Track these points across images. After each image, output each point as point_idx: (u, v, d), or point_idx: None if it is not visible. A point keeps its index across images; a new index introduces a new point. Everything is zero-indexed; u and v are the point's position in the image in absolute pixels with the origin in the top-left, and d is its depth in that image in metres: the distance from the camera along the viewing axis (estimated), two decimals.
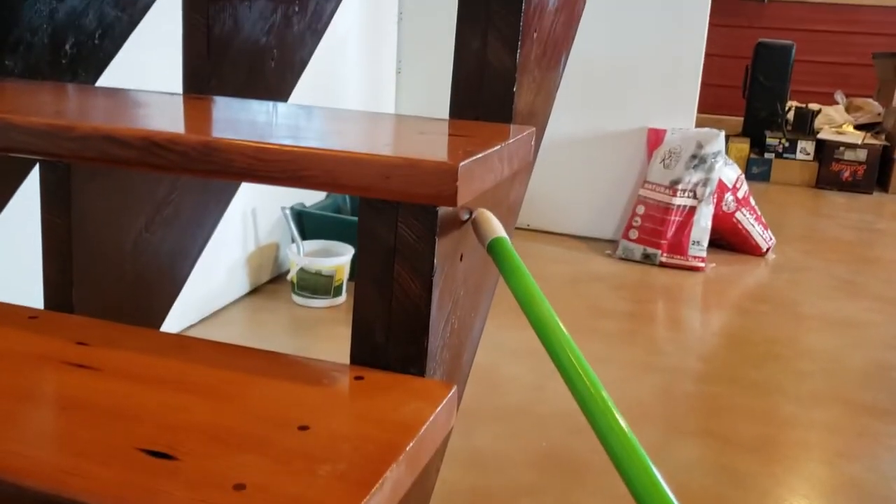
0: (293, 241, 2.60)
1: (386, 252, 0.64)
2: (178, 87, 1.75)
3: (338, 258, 2.57)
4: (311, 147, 0.61)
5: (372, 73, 3.25)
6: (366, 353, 0.65)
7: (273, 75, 1.03)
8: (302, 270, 2.53)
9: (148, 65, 1.92)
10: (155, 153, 0.65)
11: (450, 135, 0.72)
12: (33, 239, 1.75)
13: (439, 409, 0.58)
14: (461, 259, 0.71)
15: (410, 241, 0.63)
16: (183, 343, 0.69)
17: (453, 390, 0.61)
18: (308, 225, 2.73)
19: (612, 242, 3.27)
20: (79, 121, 0.67)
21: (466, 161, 0.59)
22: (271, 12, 1.00)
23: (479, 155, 0.62)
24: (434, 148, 0.64)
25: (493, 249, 0.68)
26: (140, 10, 1.28)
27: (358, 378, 0.63)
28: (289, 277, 2.57)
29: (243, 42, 0.95)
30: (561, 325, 0.63)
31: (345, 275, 2.59)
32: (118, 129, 0.66)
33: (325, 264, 2.53)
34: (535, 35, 0.84)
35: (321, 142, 0.64)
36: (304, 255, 2.56)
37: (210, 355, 0.67)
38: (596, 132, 3.32)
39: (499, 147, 0.67)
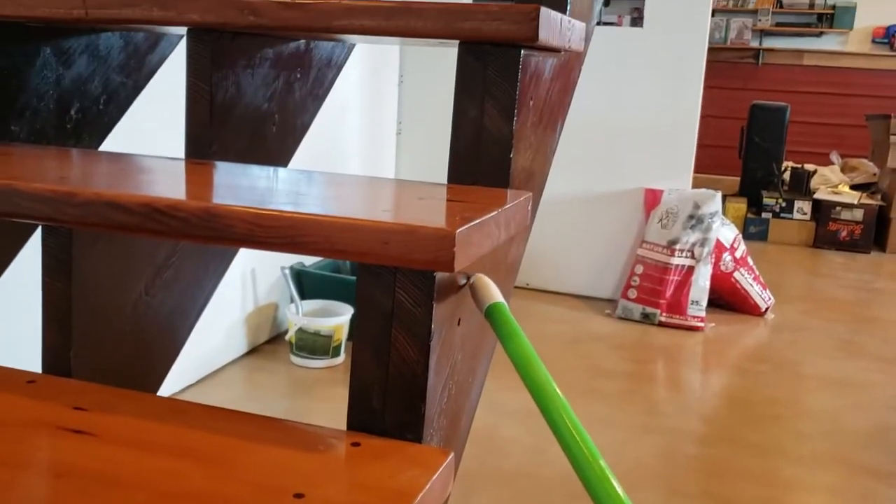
0: (292, 300, 2.60)
1: (383, 317, 0.65)
2: (179, 148, 1.78)
3: (336, 318, 2.57)
4: (309, 213, 0.62)
5: (373, 134, 3.30)
6: (363, 418, 0.65)
7: (274, 140, 1.05)
8: (300, 330, 2.52)
9: (151, 128, 1.95)
10: (156, 219, 0.66)
11: (448, 200, 0.73)
12: (34, 302, 1.76)
13: (435, 476, 0.58)
14: (459, 324, 0.71)
15: (408, 306, 0.64)
16: (179, 408, 0.69)
17: (450, 457, 0.61)
18: (307, 284, 2.74)
19: (611, 302, 3.27)
20: (82, 187, 0.68)
21: (464, 227, 0.60)
22: (273, 79, 1.02)
23: (477, 221, 0.63)
24: (432, 214, 0.65)
25: (491, 315, 0.68)
26: (145, 77, 1.31)
27: (354, 444, 0.63)
28: (287, 337, 2.56)
29: (245, 108, 0.97)
30: (557, 390, 0.64)
31: (343, 335, 2.59)
32: (120, 195, 0.67)
33: (323, 324, 2.53)
34: (531, 103, 0.86)
35: (320, 207, 0.65)
36: (302, 315, 2.56)
37: (206, 420, 0.67)
38: (594, 192, 3.35)
39: (496, 213, 0.68)
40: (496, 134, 0.81)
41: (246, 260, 2.57)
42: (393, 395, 0.64)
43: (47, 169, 0.78)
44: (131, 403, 0.69)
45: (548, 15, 0.78)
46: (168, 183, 0.75)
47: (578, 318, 3.12)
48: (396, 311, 0.64)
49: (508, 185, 0.83)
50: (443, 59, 3.33)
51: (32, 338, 1.74)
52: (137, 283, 0.83)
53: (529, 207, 0.81)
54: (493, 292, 0.70)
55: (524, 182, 0.88)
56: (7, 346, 1.69)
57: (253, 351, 2.62)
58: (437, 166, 3.41)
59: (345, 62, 1.26)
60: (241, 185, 0.75)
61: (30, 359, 1.77)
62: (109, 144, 1.23)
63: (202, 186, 0.73)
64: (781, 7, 6.94)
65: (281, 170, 0.88)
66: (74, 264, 0.74)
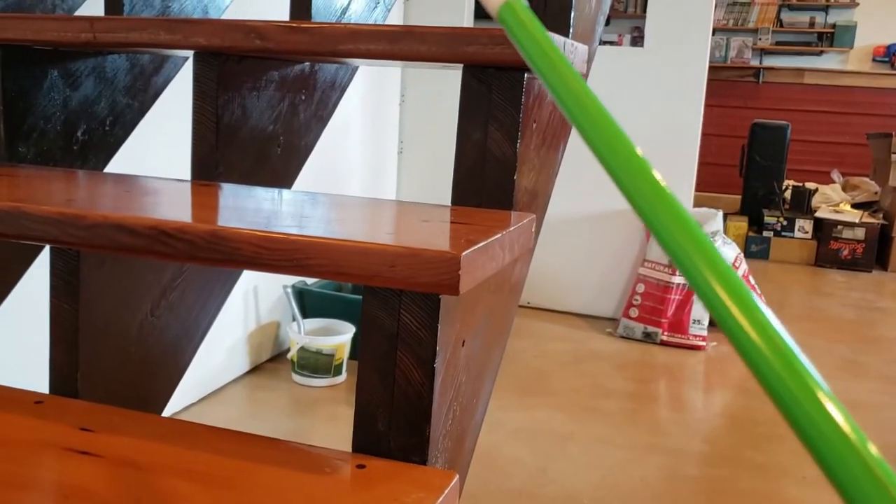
0: (294, 319, 2.61)
1: (388, 339, 0.65)
2: (182, 166, 1.80)
3: (338, 337, 2.57)
4: (315, 236, 0.63)
5: (374, 153, 3.31)
6: (368, 440, 0.65)
7: (279, 161, 1.06)
8: (302, 349, 2.52)
9: (156, 148, 1.96)
10: (163, 241, 0.66)
11: (452, 222, 0.74)
12: (41, 322, 1.76)
13: (441, 499, 0.58)
14: (463, 344, 0.72)
15: (413, 328, 0.64)
16: (185, 429, 0.69)
17: (455, 479, 0.61)
18: (309, 303, 2.74)
19: (613, 321, 3.27)
20: (89, 209, 0.69)
21: (469, 251, 0.61)
22: (279, 101, 1.03)
23: (481, 244, 0.63)
24: (437, 236, 0.66)
25: (505, 18, 0.51)
26: (150, 98, 1.32)
27: (360, 466, 0.63)
28: (289, 356, 2.56)
29: (251, 130, 0.98)
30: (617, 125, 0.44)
31: (345, 354, 2.59)
32: (127, 218, 0.67)
33: (325, 343, 2.53)
34: (534, 125, 0.87)
35: (326, 230, 0.66)
36: (304, 334, 2.56)
37: (212, 442, 0.67)
38: (595, 211, 3.36)
39: (500, 235, 0.68)
40: (500, 156, 0.81)
41: (248, 278, 2.57)
42: (398, 417, 0.64)
43: (54, 191, 0.79)
44: (137, 425, 0.69)
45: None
46: (174, 205, 0.76)
47: (580, 336, 3.12)
48: (401, 333, 0.64)
49: (512, 206, 0.83)
50: (445, 78, 3.35)
51: (39, 358, 1.75)
52: (143, 305, 0.83)
53: (533, 229, 0.81)
54: None
55: (528, 204, 0.89)
56: (14, 366, 1.69)
57: (255, 369, 2.62)
58: (438, 185, 3.43)
59: (348, 84, 1.27)
60: (247, 207, 0.75)
61: (37, 379, 1.77)
62: (115, 165, 1.24)
63: (208, 209, 0.74)
64: (782, 26, 6.98)
65: (285, 192, 0.88)
66: (82, 286, 0.75)
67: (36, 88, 1.08)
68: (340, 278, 0.64)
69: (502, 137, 0.81)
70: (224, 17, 1.52)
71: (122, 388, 0.82)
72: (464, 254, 0.60)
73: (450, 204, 0.85)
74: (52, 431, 0.67)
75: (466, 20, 3.43)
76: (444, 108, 3.39)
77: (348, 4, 1.26)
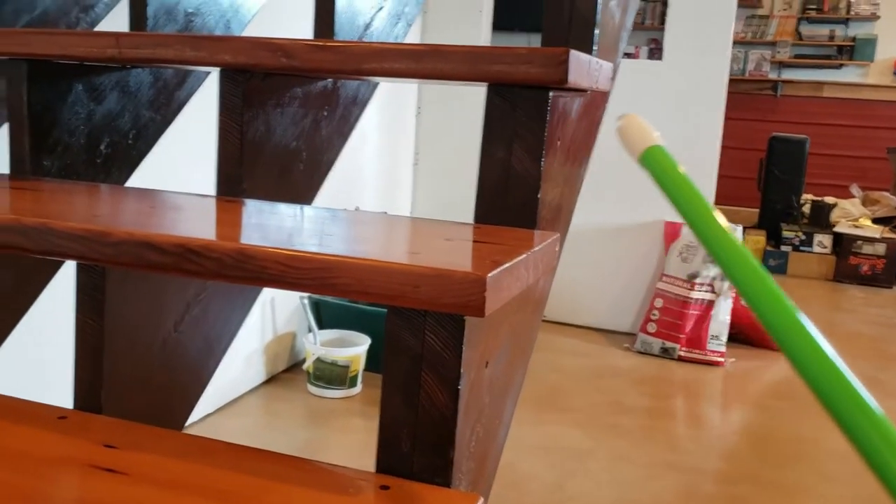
0: (310, 330, 2.61)
1: (413, 359, 0.65)
2: (202, 178, 1.81)
3: (353, 349, 2.57)
4: (341, 255, 0.63)
5: (390, 165, 3.32)
6: (391, 461, 0.65)
7: (301, 177, 1.06)
8: (318, 360, 2.52)
9: (176, 161, 1.97)
10: (189, 259, 0.66)
11: (475, 241, 0.74)
12: (61, 335, 1.77)
13: None
14: (487, 366, 0.71)
15: (437, 349, 0.64)
16: (208, 446, 0.69)
17: (479, 502, 0.60)
18: (325, 314, 2.74)
19: (630, 335, 3.26)
20: (115, 226, 0.69)
21: (494, 272, 0.60)
22: (302, 117, 1.04)
23: (507, 265, 0.63)
24: (461, 256, 0.66)
25: (648, 161, 0.58)
26: (173, 111, 1.33)
27: (383, 487, 0.63)
28: (305, 367, 2.56)
29: (275, 146, 0.98)
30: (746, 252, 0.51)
31: (360, 365, 2.58)
32: (154, 235, 0.68)
33: (340, 355, 2.53)
34: (558, 143, 0.86)
35: (350, 249, 0.66)
36: (320, 345, 2.56)
37: (235, 460, 0.67)
38: (613, 225, 3.35)
39: (525, 256, 0.68)
40: (524, 174, 0.81)
41: (266, 289, 2.58)
42: (422, 439, 0.64)
43: (79, 206, 0.79)
44: (161, 441, 0.69)
45: (577, 58, 0.79)
46: (200, 221, 0.76)
47: (598, 351, 3.10)
48: (426, 354, 0.64)
49: (536, 225, 0.83)
50: (461, 91, 3.35)
51: (59, 371, 1.76)
52: (167, 320, 0.84)
53: (557, 248, 0.81)
54: (649, 133, 0.59)
55: (551, 221, 0.89)
56: (34, 379, 1.70)
57: (271, 380, 2.62)
58: (454, 197, 3.43)
59: (370, 99, 1.27)
60: (272, 224, 0.76)
61: (56, 390, 1.78)
62: (136, 177, 1.25)
63: (233, 226, 0.74)
64: (801, 39, 6.95)
65: (308, 208, 0.89)
66: (107, 302, 0.75)
67: (61, 102, 1.09)
68: (365, 297, 0.64)
69: (527, 155, 0.81)
70: (246, 31, 1.53)
71: (145, 403, 0.83)
72: (489, 275, 0.60)
73: (472, 221, 0.85)
74: (76, 447, 0.67)
75: (484, 32, 3.44)
76: (460, 120, 3.40)
77: (371, 20, 1.26)
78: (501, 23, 3.58)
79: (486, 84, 0.83)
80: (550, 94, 0.81)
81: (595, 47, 0.99)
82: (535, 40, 3.59)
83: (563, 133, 0.89)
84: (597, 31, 0.98)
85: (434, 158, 3.52)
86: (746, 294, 0.48)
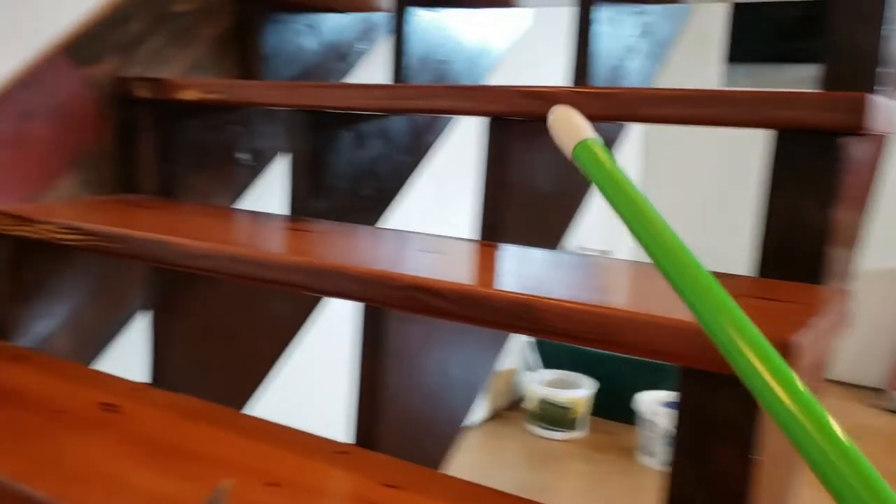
0: (529, 368, 2.60)
1: (705, 424, 0.61)
2: (433, 216, 1.85)
3: (578, 391, 2.53)
4: (631, 311, 0.61)
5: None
6: None
7: (555, 221, 1.06)
8: (542, 401, 2.51)
9: (420, 200, 2.06)
10: (469, 307, 0.67)
11: (763, 298, 0.69)
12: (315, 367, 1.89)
13: None
14: (778, 433, 0.66)
15: (731, 414, 0.60)
16: (478, 493, 0.69)
17: None
18: (545, 353, 2.73)
19: (878, 391, 2.96)
20: (397, 272, 0.72)
21: (798, 334, 0.56)
22: (554, 162, 1.04)
23: (814, 328, 0.58)
24: (755, 316, 0.62)
25: (580, 156, 0.56)
26: (421, 154, 1.38)
27: None
28: (525, 406, 2.56)
29: (531, 191, 0.98)
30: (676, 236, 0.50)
31: (583, 408, 2.54)
32: (433, 281, 0.69)
33: (564, 396, 2.50)
34: (848, 191, 0.80)
35: (634, 304, 0.64)
36: (542, 385, 2.55)
37: None
38: (860, 269, 3.08)
39: (826, 317, 0.63)
40: (812, 226, 0.75)
41: None
42: None
43: (356, 249, 0.83)
44: (435, 484, 0.70)
45: (873, 102, 0.73)
46: (469, 267, 0.77)
47: (843, 407, 2.85)
48: (719, 419, 0.60)
49: (822, 280, 0.77)
50: (688, 129, 3.25)
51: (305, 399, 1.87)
52: (438, 360, 0.86)
53: (849, 307, 0.74)
54: (581, 127, 0.58)
55: (838, 276, 0.82)
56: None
57: (492, 417, 2.64)
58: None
59: (618, 139, 1.25)
60: (544, 273, 0.75)
61: (303, 419, 1.88)
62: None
63: (507, 274, 0.74)
64: None
65: (574, 255, 0.88)
66: (389, 342, 0.78)
67: (332, 149, 1.16)
68: (650, 356, 0.61)
69: (816, 206, 0.75)
70: (491, 75, 1.56)
71: (409, 443, 0.85)
72: (794, 338, 0.55)
73: (728, 270, 0.80)
74: (356, 484, 0.69)
75: (714, 64, 3.32)
76: (686, 158, 3.28)
77: (622, 61, 1.25)
78: (734, 54, 3.43)
79: (766, 129, 0.78)
80: (843, 140, 0.75)
81: (885, 87, 0.91)
82: (769, 72, 3.40)
83: (854, 181, 0.82)
84: (888, 70, 0.90)
85: (659, 198, 3.43)
86: (683, 293, 0.47)
